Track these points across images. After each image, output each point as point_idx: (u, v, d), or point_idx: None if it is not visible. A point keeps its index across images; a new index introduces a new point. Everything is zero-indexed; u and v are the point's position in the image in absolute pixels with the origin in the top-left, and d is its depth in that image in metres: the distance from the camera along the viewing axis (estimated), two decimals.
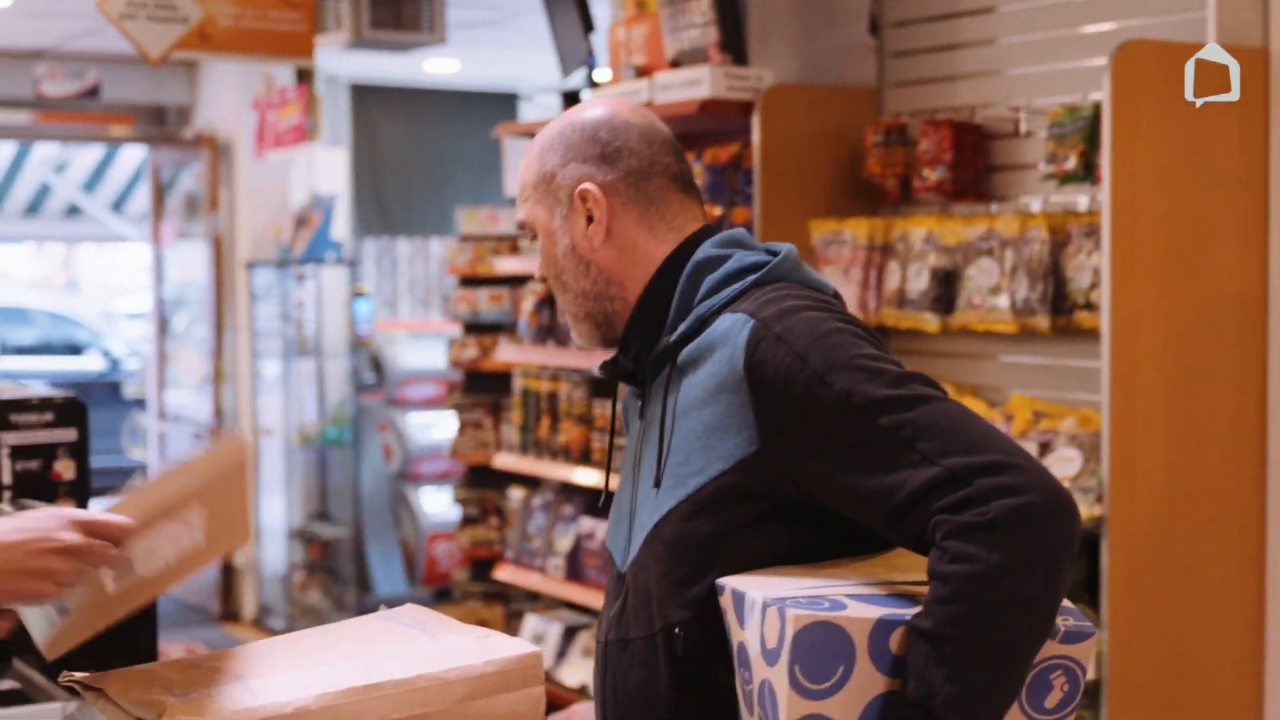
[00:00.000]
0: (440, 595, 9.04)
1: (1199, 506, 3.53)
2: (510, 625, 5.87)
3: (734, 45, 4.28)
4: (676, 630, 1.87)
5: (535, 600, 5.75)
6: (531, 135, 5.58)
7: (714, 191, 4.44)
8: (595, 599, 4.88)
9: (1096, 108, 3.65)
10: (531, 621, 5.29)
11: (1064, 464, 3.52)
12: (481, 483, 6.20)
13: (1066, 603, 1.79)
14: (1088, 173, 3.66)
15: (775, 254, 1.99)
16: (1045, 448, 3.62)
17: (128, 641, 1.98)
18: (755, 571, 1.84)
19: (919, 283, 4.04)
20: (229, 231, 8.73)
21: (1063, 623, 1.77)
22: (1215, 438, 3.55)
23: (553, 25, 5.23)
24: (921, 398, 1.79)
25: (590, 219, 2.00)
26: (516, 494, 5.68)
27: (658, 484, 1.94)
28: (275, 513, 8.55)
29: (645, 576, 1.93)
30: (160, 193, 9.42)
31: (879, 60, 4.46)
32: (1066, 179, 3.70)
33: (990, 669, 1.70)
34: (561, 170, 2.01)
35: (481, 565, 6.12)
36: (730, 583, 1.82)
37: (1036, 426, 3.74)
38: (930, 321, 3.99)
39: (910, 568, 1.84)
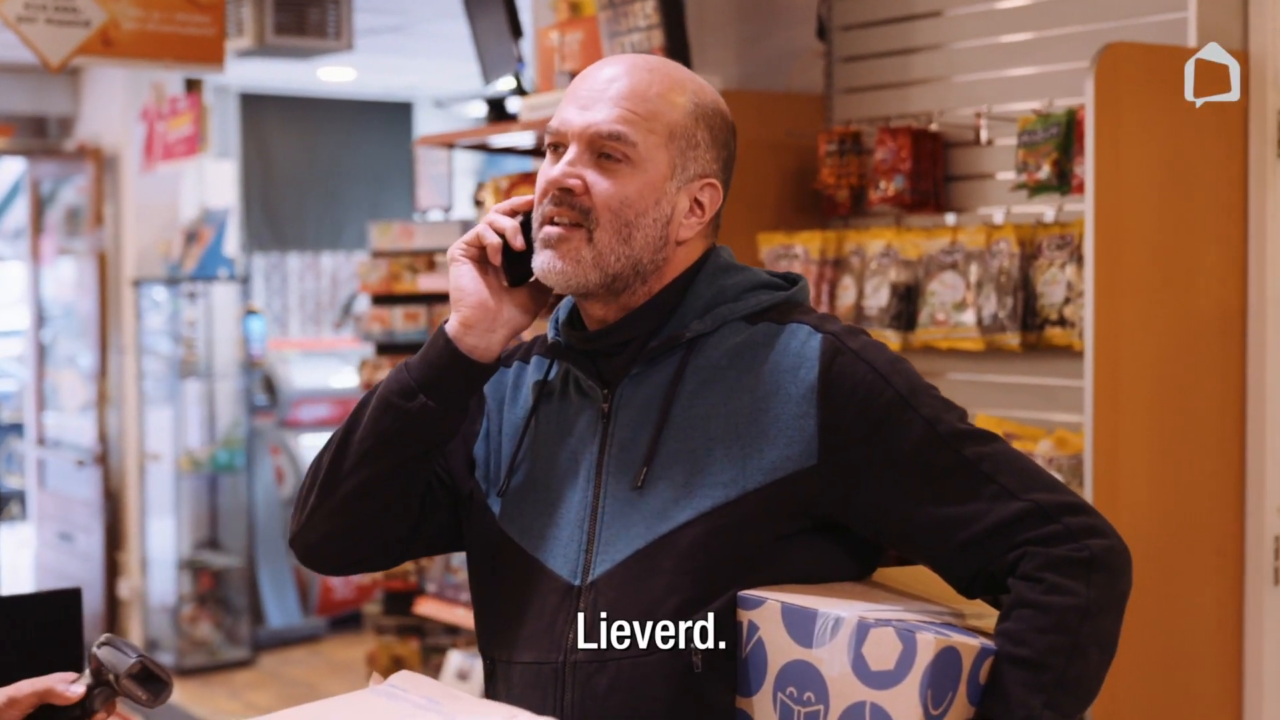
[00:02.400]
0: (335, 625, 8.74)
1: (1179, 531, 3.38)
2: (430, 661, 5.61)
3: (679, 51, 4.08)
4: (697, 647, 1.77)
5: (456, 634, 5.49)
6: (450, 145, 5.35)
7: None
8: None
9: (1070, 114, 3.49)
10: (455, 658, 5.04)
11: None
12: None
13: None
14: (1062, 182, 3.50)
15: (786, 278, 1.96)
16: None
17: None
18: (779, 588, 1.79)
19: (877, 298, 3.86)
20: (114, 248, 8.36)
21: None
22: (1197, 459, 3.40)
23: (475, 30, 4.99)
24: (992, 435, 1.83)
25: (692, 209, 1.88)
26: None
27: (639, 487, 1.80)
28: (163, 541, 8.20)
29: (637, 590, 1.78)
30: (39, 207, 9.01)
31: (827, 66, 4.28)
32: (1039, 189, 3.54)
33: (1079, 700, 1.75)
34: (705, 146, 1.87)
35: (396, 598, 5.84)
36: (774, 596, 1.76)
37: None
38: (890, 339, 3.80)
39: (920, 591, 1.85)
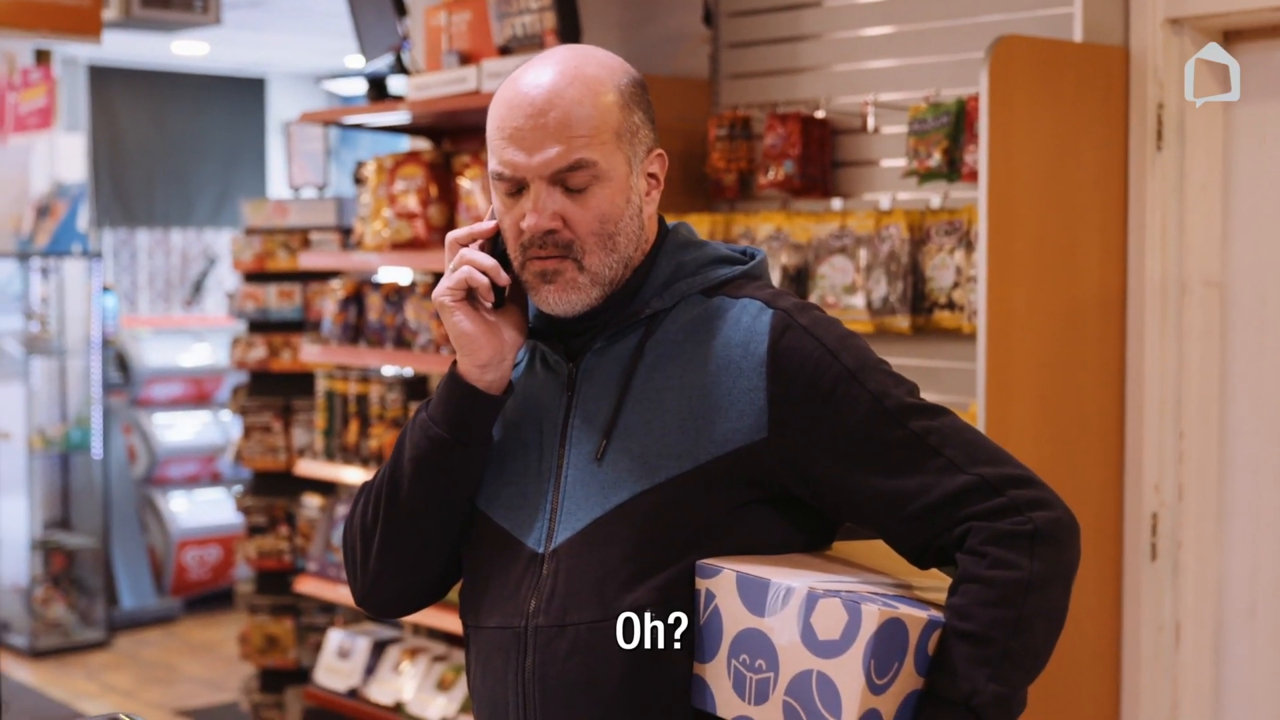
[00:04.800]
0: (190, 606, 8.64)
1: None
2: (307, 640, 5.58)
3: (570, 33, 4.10)
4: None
5: (333, 613, 5.47)
6: (332, 124, 5.32)
7: None
8: None
9: (961, 103, 3.59)
10: (336, 637, 5.02)
11: None
12: (270, 490, 5.87)
13: None
14: (952, 169, 3.60)
15: (745, 253, 1.98)
16: None
17: None
18: (736, 558, 1.82)
19: None
20: None
21: None
22: (1080, 440, 3.53)
23: (354, 8, 4.96)
24: (942, 409, 1.85)
25: (649, 184, 1.91)
26: (313, 502, 5.39)
27: (599, 458, 1.85)
28: (15, 521, 8.03)
29: (595, 557, 1.83)
30: None
31: (714, 51, 4.34)
32: (929, 176, 3.63)
33: (1026, 672, 1.77)
34: (643, 125, 1.90)
35: (270, 577, 5.80)
36: (730, 566, 1.79)
37: None
38: None
39: (874, 563, 1.89)
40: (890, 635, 1.70)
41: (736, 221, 4.06)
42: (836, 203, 3.98)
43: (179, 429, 8.82)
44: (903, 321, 3.68)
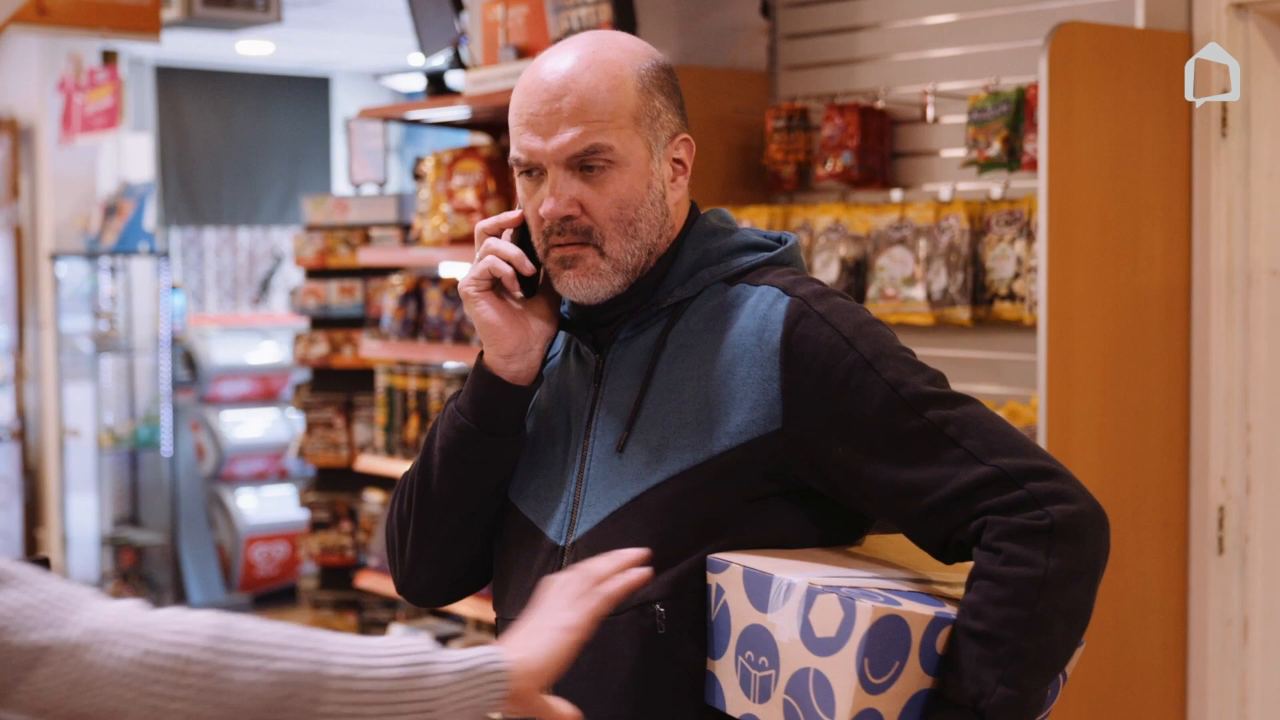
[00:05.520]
0: (258, 601, 8.69)
1: (1127, 502, 3.45)
2: (368, 635, 5.60)
3: (626, 26, 4.08)
4: (659, 608, 1.78)
5: (395, 608, 5.48)
6: (391, 119, 5.32)
7: None
8: (468, 607, 4.64)
9: (1021, 92, 3.55)
10: (397, 632, 5.03)
11: None
12: (332, 486, 5.89)
13: None
14: (1012, 159, 3.55)
15: (778, 239, 1.94)
16: None
17: None
18: (750, 552, 1.78)
19: (827, 273, 3.90)
20: (30, 221, 8.23)
21: None
22: (1144, 431, 3.47)
23: (413, 4, 4.97)
24: (964, 398, 1.78)
25: (675, 171, 1.88)
26: (374, 497, 5.40)
27: (620, 450, 1.82)
28: (84, 518, 8.11)
29: (611, 549, 1.77)
30: None
31: (771, 42, 4.31)
32: (988, 165, 3.59)
33: (1038, 674, 1.69)
34: (665, 110, 1.87)
35: (333, 573, 5.82)
36: (738, 560, 1.75)
37: None
38: None
39: (899, 559, 1.83)
40: (887, 632, 1.64)
41: (795, 214, 4.03)
42: (896, 194, 3.94)
43: (247, 426, 8.87)
44: (963, 313, 3.64)
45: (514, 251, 1.87)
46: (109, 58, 7.99)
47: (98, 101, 7.44)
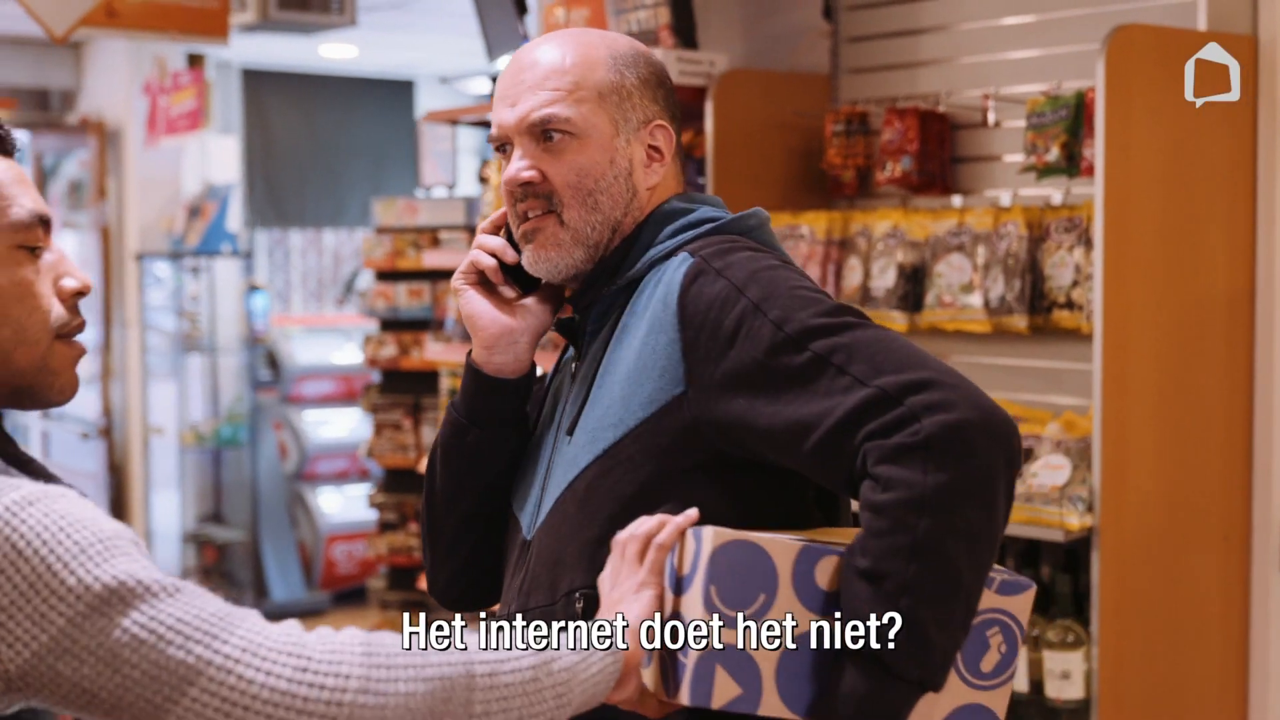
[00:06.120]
0: (339, 599, 8.76)
1: (1186, 515, 3.38)
2: None
3: (685, 28, 4.07)
4: (577, 595, 1.75)
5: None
6: (456, 122, 5.33)
7: None
8: None
9: (1080, 96, 3.48)
10: None
11: (1052, 472, 3.35)
12: (400, 487, 5.92)
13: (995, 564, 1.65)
14: (1070, 164, 3.49)
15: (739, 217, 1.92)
16: (1029, 454, 3.44)
17: None
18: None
19: (884, 279, 3.85)
20: (117, 222, 8.35)
21: (997, 574, 1.65)
22: (1203, 443, 3.39)
23: (479, 6, 4.98)
24: (856, 324, 1.68)
25: (650, 156, 1.88)
26: None
27: (570, 433, 1.82)
28: (168, 514, 8.22)
29: (553, 540, 1.80)
30: (42, 180, 9.00)
31: (833, 45, 4.26)
32: (1047, 171, 3.52)
33: (939, 605, 1.56)
34: (639, 92, 1.86)
35: (400, 573, 5.84)
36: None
37: None
38: (898, 320, 3.79)
39: (842, 536, 1.69)
40: (740, 560, 1.54)
41: (854, 219, 3.98)
42: (956, 199, 3.89)
43: (329, 426, 8.94)
44: (1020, 321, 3.58)
45: (496, 243, 1.89)
46: (194, 61, 8.08)
47: (182, 104, 7.53)
